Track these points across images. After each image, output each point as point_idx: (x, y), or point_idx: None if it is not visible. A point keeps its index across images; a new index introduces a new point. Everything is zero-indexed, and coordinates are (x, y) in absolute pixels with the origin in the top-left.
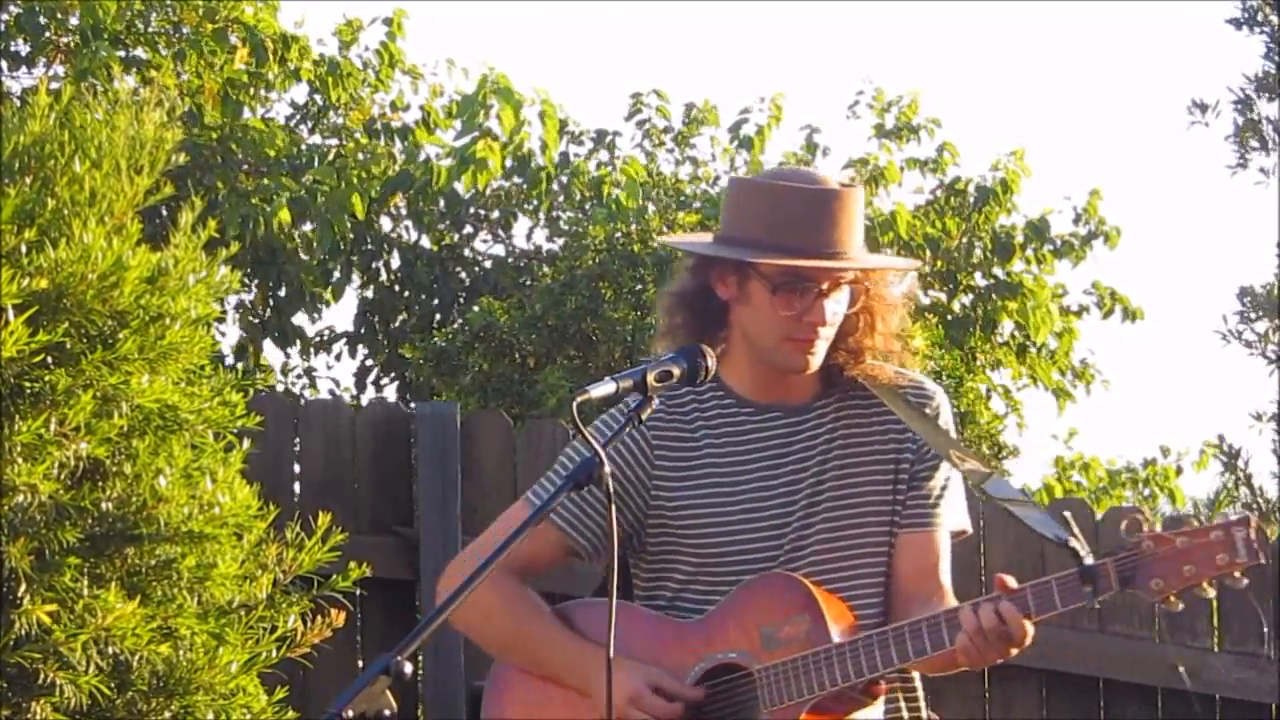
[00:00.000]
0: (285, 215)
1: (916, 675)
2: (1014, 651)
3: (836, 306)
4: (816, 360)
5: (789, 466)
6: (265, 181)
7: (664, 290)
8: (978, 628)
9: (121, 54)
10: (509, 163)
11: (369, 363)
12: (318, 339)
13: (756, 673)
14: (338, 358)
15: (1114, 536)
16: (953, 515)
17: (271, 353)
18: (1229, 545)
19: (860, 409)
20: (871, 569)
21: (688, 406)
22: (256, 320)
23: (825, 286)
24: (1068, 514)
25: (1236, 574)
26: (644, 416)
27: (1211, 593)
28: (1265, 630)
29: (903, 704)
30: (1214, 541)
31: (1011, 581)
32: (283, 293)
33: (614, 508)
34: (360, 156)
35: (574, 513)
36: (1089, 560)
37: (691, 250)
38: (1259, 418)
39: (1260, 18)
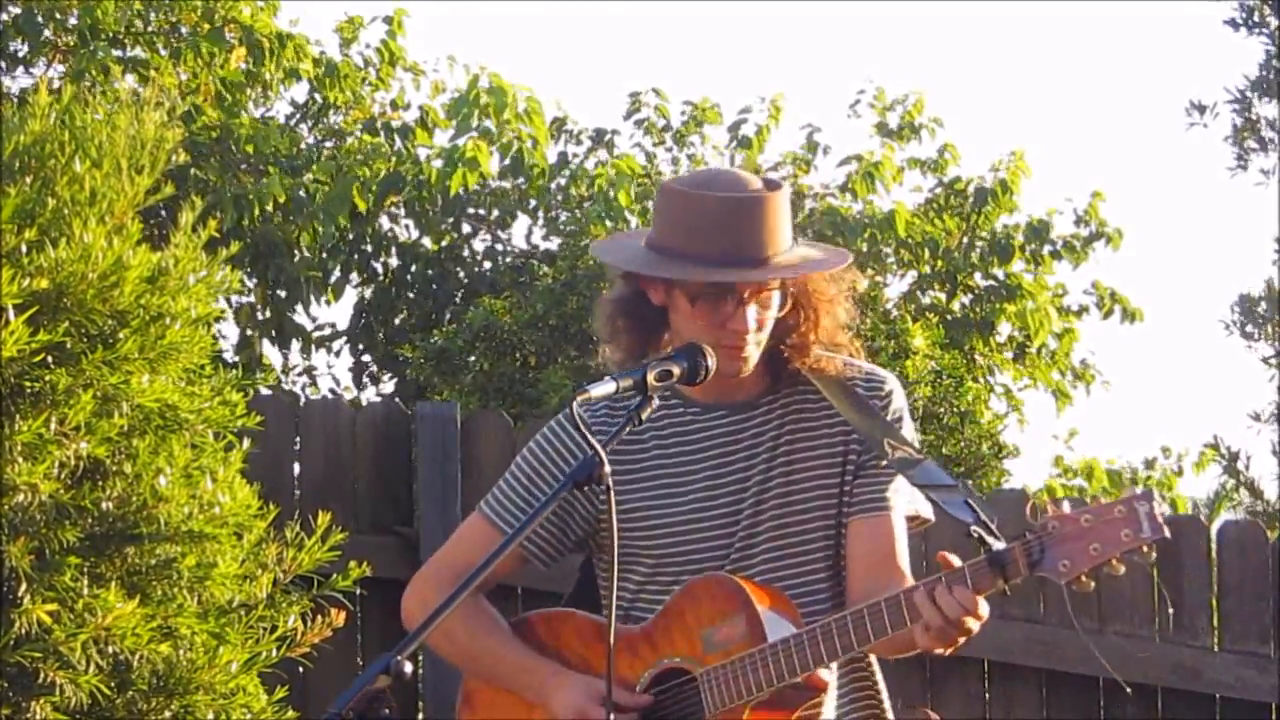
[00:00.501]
0: (279, 192)
1: (874, 665)
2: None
3: (764, 312)
4: (750, 364)
5: (736, 465)
6: (264, 180)
7: (601, 297)
8: (930, 617)
9: (119, 54)
10: (503, 161)
11: (365, 358)
12: (316, 332)
13: (699, 676)
14: (337, 354)
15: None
16: (906, 501)
17: (271, 352)
18: (1133, 521)
19: (809, 403)
20: (822, 562)
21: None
22: (258, 318)
23: (746, 294)
24: (972, 501)
25: (1144, 549)
26: (644, 416)
27: (1121, 569)
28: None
29: (854, 695)
30: (1117, 518)
31: (955, 560)
32: (282, 292)
33: (567, 513)
34: (359, 156)
35: (535, 533)
36: (997, 546)
37: (607, 262)
38: (1258, 418)
39: (1258, 18)
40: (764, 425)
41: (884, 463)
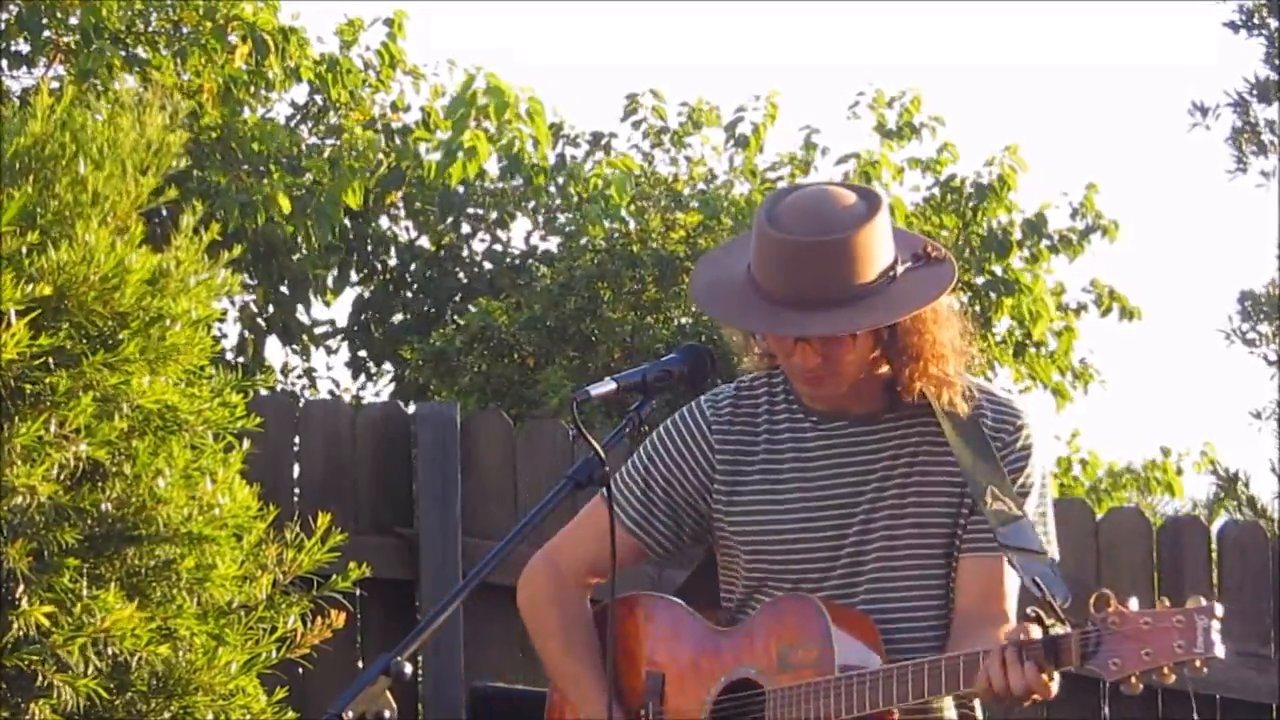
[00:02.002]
0: (285, 203)
1: (948, 709)
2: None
3: (832, 349)
4: (829, 394)
5: (849, 479)
6: (265, 181)
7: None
8: (996, 686)
9: (122, 53)
10: (502, 162)
11: (362, 354)
12: (316, 327)
13: (769, 693)
14: (334, 353)
15: (1112, 540)
16: (1035, 543)
17: (271, 351)
18: (1189, 633)
19: (934, 426)
20: (927, 591)
21: (760, 409)
22: (259, 317)
23: (792, 339)
24: (1045, 578)
25: (1196, 664)
26: (644, 416)
27: (1172, 678)
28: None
29: None
30: (1175, 627)
31: (1035, 631)
32: (284, 289)
33: (679, 505)
34: (353, 151)
35: (641, 514)
36: (1056, 630)
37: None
38: (1258, 415)
39: (1258, 20)
40: (884, 442)
41: (1029, 501)
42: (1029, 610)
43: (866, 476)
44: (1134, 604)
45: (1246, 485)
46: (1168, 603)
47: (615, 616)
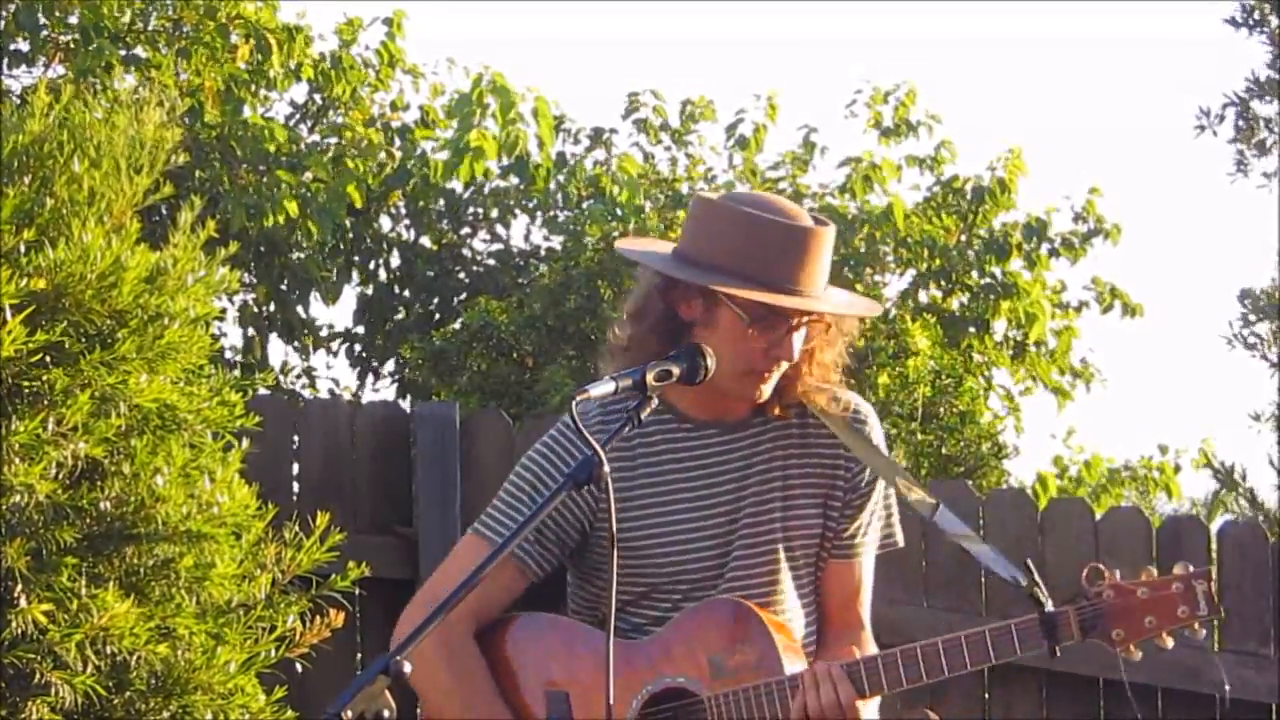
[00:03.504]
0: (293, 208)
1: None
2: None
3: (800, 342)
4: (769, 390)
5: (729, 483)
6: (265, 180)
7: (627, 305)
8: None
9: (122, 52)
10: (506, 161)
11: (365, 354)
12: (317, 328)
13: (706, 700)
14: (334, 354)
15: (1112, 540)
16: (878, 541)
17: (271, 350)
18: (1189, 598)
19: (796, 431)
20: (803, 591)
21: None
22: (262, 316)
23: (797, 323)
24: (1029, 561)
25: (1195, 626)
26: (643, 416)
27: (1170, 643)
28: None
29: None
30: (1175, 594)
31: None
32: (284, 286)
33: (565, 520)
34: (354, 151)
35: (533, 545)
36: (1050, 607)
37: (672, 274)
38: (1257, 418)
39: (1259, 17)
40: (755, 447)
41: (872, 502)
42: (1032, 590)
43: (744, 481)
44: (1118, 575)
45: (1244, 478)
46: (1154, 572)
47: (504, 639)
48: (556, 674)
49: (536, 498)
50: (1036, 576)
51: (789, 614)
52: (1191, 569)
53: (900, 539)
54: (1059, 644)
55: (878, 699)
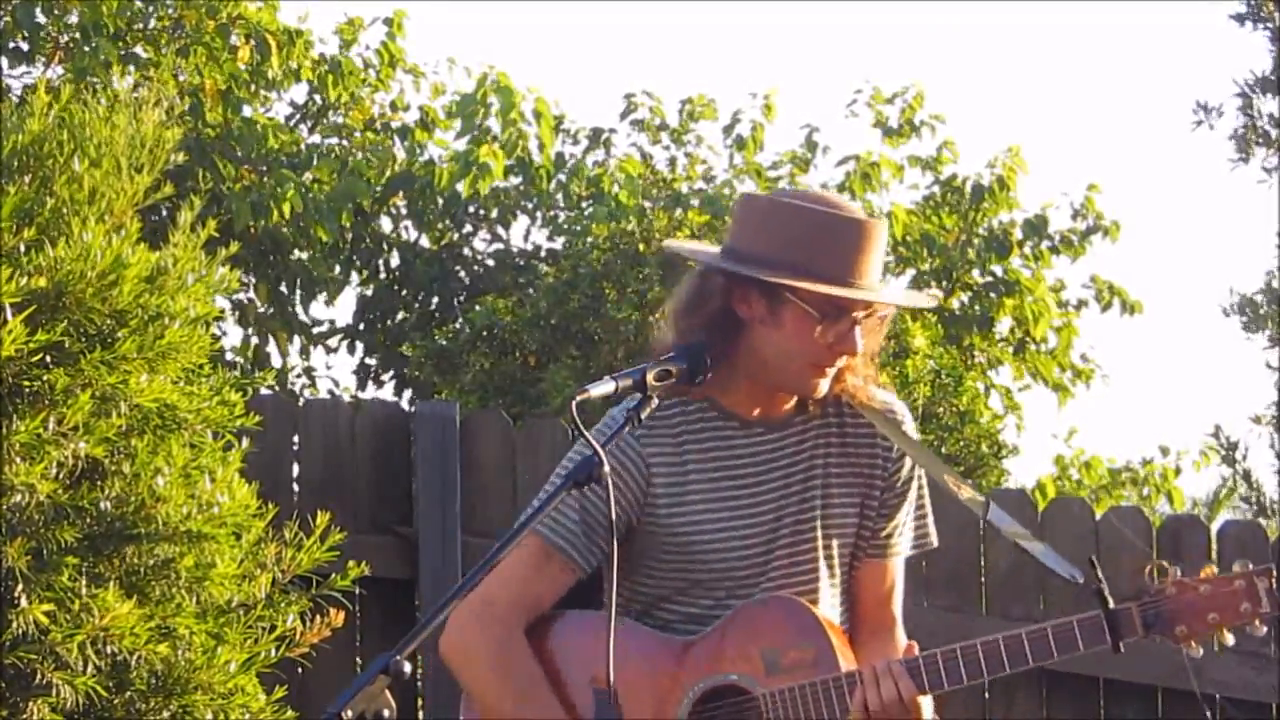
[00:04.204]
0: (298, 203)
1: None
2: None
3: (861, 336)
4: (826, 386)
5: (776, 481)
6: (267, 179)
7: (674, 305)
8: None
9: (121, 52)
10: (507, 162)
11: (368, 360)
12: (317, 328)
13: (761, 696)
14: (334, 352)
15: (1112, 540)
16: (911, 542)
17: (271, 350)
18: (1252, 595)
19: (835, 428)
20: (838, 589)
21: (675, 421)
22: (266, 314)
23: (860, 317)
24: (1092, 558)
25: (1257, 622)
26: (643, 415)
27: (1230, 640)
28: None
29: None
30: (1237, 590)
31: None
32: (283, 287)
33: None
34: (359, 155)
35: (584, 541)
36: (1114, 604)
37: (741, 272)
38: (1258, 420)
39: (1263, 13)
40: (801, 445)
41: (908, 503)
42: (1097, 586)
43: (788, 479)
44: (1178, 572)
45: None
46: (1215, 570)
47: (550, 635)
48: (603, 671)
49: (588, 493)
50: (1100, 573)
51: (825, 612)
52: (1253, 566)
53: (934, 538)
54: (1122, 640)
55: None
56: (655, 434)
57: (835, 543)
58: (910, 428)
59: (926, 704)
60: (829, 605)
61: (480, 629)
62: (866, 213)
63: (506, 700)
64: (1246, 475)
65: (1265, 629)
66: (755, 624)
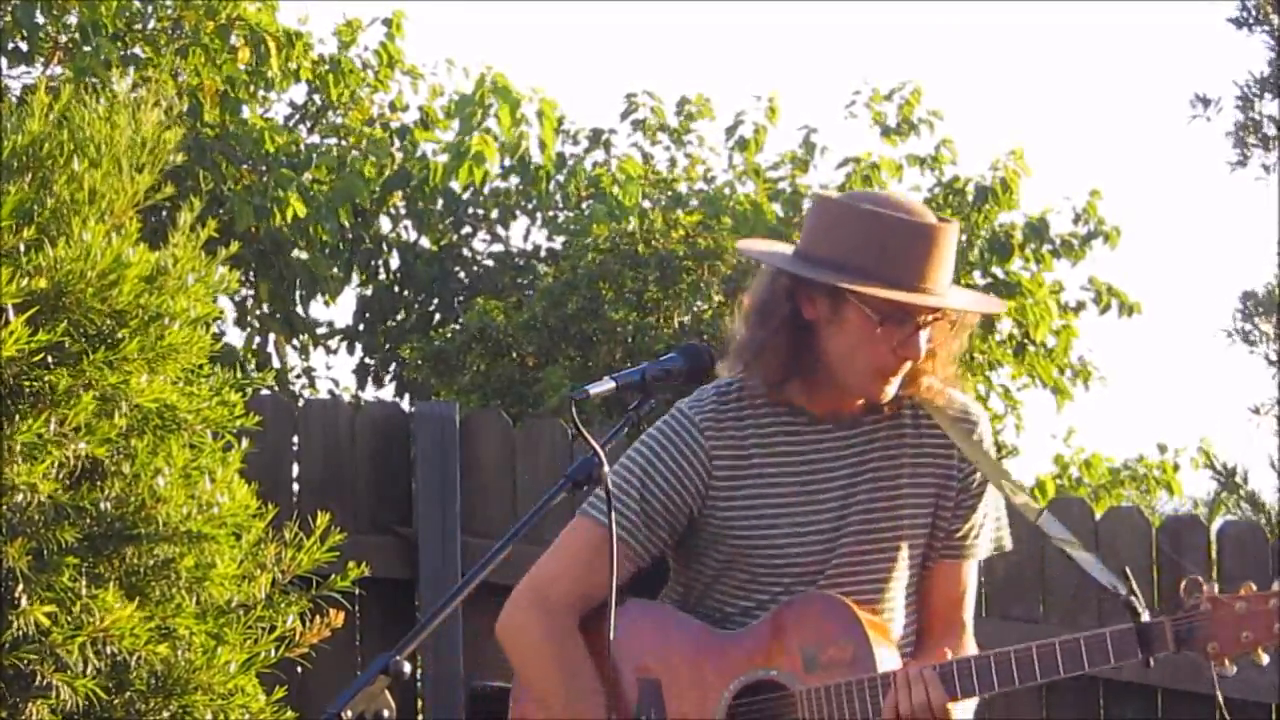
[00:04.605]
0: (300, 207)
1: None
2: None
3: (925, 341)
4: (893, 391)
5: (842, 479)
6: (267, 180)
7: (746, 305)
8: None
9: (121, 52)
10: (508, 162)
11: (368, 360)
12: (316, 327)
13: (798, 693)
14: (334, 353)
15: (1112, 540)
16: (989, 545)
17: (271, 350)
18: None
19: (909, 428)
20: (907, 590)
21: (744, 412)
22: (268, 315)
23: (922, 320)
24: (1127, 569)
25: None
26: (642, 415)
27: (1265, 659)
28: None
29: None
30: (1272, 610)
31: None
32: (284, 287)
33: (677, 508)
34: (357, 152)
35: (642, 528)
36: (1146, 618)
37: (801, 273)
38: (1257, 411)
39: (1261, 16)
40: (870, 444)
41: (982, 506)
42: (1129, 600)
43: (856, 478)
44: (1215, 588)
45: (1245, 481)
46: (1254, 587)
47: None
48: (650, 661)
49: (649, 483)
50: (1134, 585)
51: (891, 612)
52: None
53: (1009, 541)
54: (1153, 655)
55: (974, 701)
56: (721, 426)
57: (905, 543)
58: (984, 431)
59: (962, 708)
60: (895, 606)
61: (536, 616)
62: (938, 217)
63: (558, 692)
64: (1251, 498)
65: None
66: (798, 620)
